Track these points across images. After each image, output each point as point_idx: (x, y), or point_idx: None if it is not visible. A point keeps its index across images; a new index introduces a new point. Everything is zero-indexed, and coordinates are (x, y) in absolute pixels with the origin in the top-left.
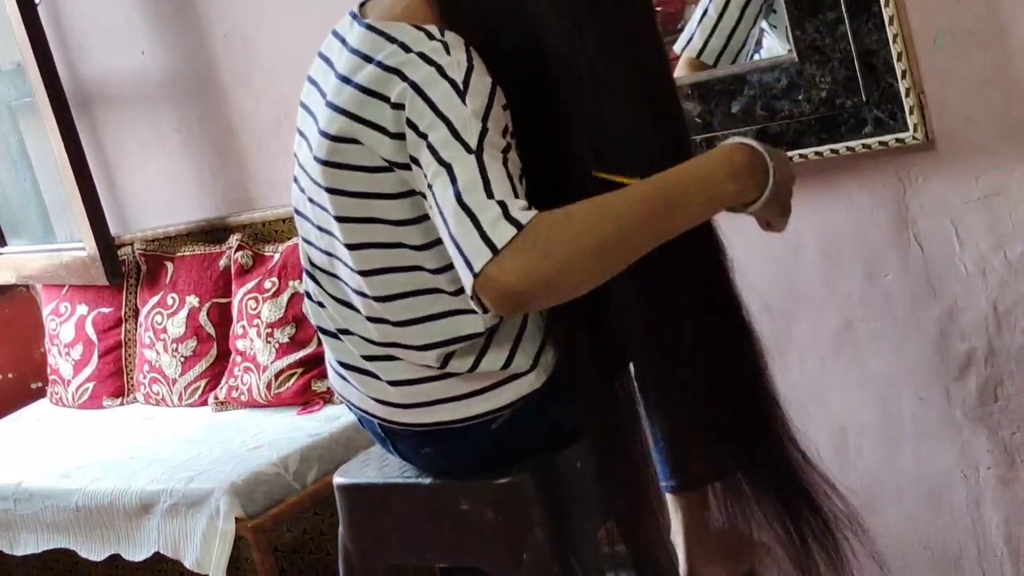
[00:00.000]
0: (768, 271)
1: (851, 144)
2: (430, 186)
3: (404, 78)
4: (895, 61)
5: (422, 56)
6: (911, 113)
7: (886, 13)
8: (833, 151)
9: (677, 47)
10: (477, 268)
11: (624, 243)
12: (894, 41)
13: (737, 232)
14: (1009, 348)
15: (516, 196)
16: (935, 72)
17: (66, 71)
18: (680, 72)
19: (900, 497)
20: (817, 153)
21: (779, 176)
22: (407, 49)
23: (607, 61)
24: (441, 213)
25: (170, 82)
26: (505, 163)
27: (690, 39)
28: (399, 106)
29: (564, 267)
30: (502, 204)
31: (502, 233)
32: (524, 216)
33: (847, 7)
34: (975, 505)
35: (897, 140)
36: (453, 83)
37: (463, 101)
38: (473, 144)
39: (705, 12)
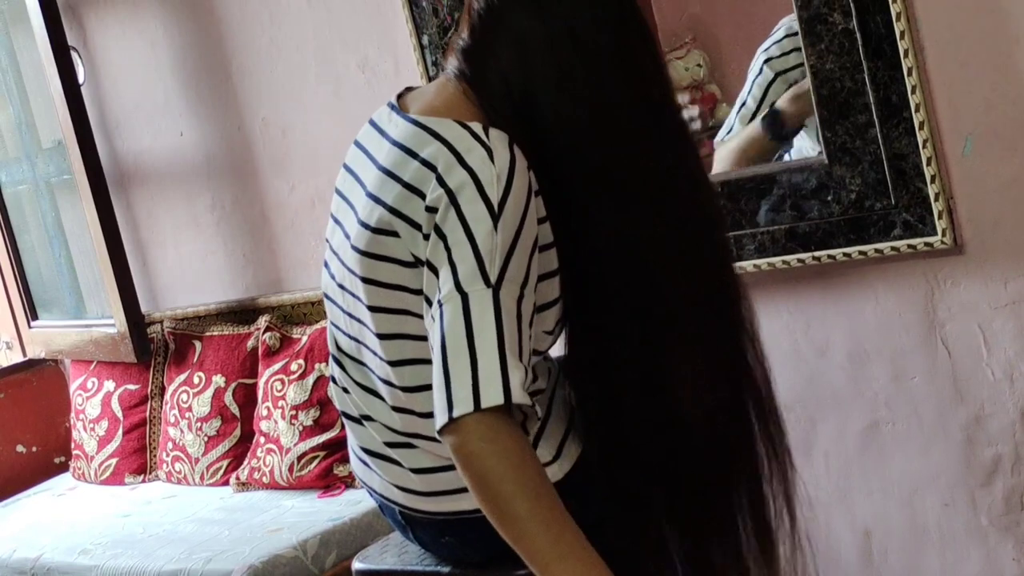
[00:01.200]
0: (794, 370)
1: (880, 246)
2: (440, 303)
3: (441, 182)
4: (925, 165)
5: (463, 163)
6: (940, 217)
7: (916, 118)
8: (861, 253)
9: (719, 138)
10: (456, 413)
11: (508, 512)
12: (924, 145)
13: (764, 331)
14: None
15: (520, 344)
16: (965, 177)
17: (105, 149)
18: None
19: None
20: (845, 254)
21: None
22: (451, 149)
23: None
24: (443, 338)
25: (207, 164)
26: (519, 301)
27: (731, 129)
28: (432, 209)
29: (504, 470)
30: (503, 360)
31: (492, 395)
32: (520, 393)
33: (878, 111)
34: None
35: (926, 244)
36: (489, 205)
37: (495, 227)
38: (493, 279)
39: (744, 103)
